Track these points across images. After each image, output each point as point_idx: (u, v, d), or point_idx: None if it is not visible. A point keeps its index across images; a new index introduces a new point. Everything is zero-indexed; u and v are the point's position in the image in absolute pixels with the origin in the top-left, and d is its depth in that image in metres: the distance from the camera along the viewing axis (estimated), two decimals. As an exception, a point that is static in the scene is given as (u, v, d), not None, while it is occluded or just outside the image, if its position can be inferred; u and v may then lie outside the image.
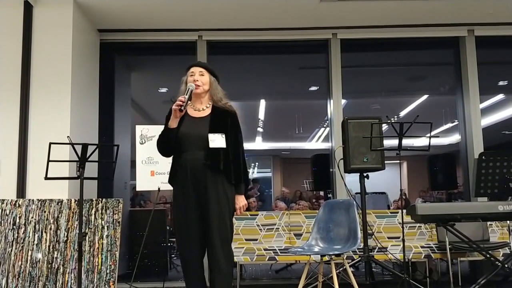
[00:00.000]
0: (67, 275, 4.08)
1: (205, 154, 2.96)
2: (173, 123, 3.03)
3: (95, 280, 4.06)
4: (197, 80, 3.06)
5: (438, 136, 9.82)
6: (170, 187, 3.17)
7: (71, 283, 4.06)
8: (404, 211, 4.04)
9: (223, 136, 3.00)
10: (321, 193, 10.35)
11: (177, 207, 3.05)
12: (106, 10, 5.00)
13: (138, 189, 4.91)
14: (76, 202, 4.24)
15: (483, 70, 5.59)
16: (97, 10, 4.97)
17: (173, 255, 6.78)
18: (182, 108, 2.94)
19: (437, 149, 9.98)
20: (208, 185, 2.95)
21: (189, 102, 3.03)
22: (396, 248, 4.65)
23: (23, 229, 4.17)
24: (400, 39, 5.67)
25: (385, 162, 4.58)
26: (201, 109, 3.12)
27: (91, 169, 4.35)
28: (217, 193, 2.95)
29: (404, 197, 8.68)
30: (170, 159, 3.17)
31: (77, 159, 3.56)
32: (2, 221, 4.19)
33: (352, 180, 5.05)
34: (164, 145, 3.10)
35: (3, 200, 4.26)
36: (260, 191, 11.19)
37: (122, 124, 5.98)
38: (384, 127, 5.67)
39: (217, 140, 2.98)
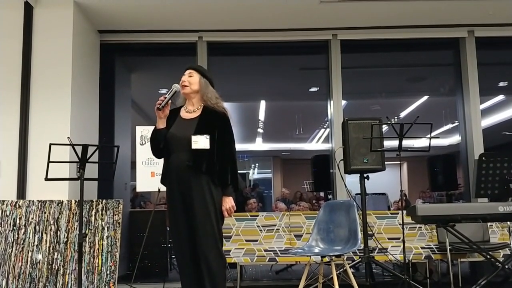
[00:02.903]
0: (67, 276, 4.08)
1: (189, 155, 2.97)
2: (159, 124, 3.08)
3: (95, 281, 4.06)
4: (185, 81, 3.10)
5: (438, 137, 9.82)
6: (170, 188, 3.18)
7: (71, 284, 4.06)
8: (405, 212, 4.04)
9: (207, 137, 2.98)
10: (321, 194, 10.35)
11: (168, 209, 3.07)
12: (106, 11, 5.00)
13: (138, 190, 4.90)
14: (76, 203, 4.24)
15: (483, 71, 5.59)
16: (97, 11, 4.97)
17: (173, 256, 6.77)
18: (160, 106, 2.99)
19: (437, 150, 9.98)
20: (192, 186, 2.95)
21: (170, 102, 3.06)
22: (396, 249, 4.65)
23: (23, 230, 4.17)
24: (400, 40, 5.67)
25: (385, 163, 4.58)
26: (192, 111, 3.13)
27: (91, 170, 4.35)
28: (202, 194, 2.94)
29: (404, 198, 8.68)
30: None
31: (77, 160, 3.56)
32: (3, 222, 4.19)
33: (352, 181, 5.04)
34: (153, 146, 3.14)
35: (4, 201, 4.26)
36: (258, 194, 11.18)
37: (122, 125, 5.98)
38: (384, 128, 5.67)
39: (200, 142, 2.97)
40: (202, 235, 2.90)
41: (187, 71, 3.16)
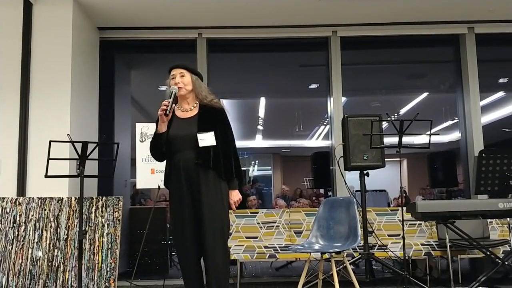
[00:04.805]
0: (67, 273, 4.08)
1: (196, 153, 2.99)
2: (162, 128, 3.07)
3: (96, 278, 4.07)
4: (179, 82, 3.09)
5: (438, 134, 9.81)
6: (170, 185, 3.18)
7: (71, 281, 4.06)
8: (404, 208, 4.05)
9: (212, 134, 3.02)
10: (321, 190, 10.36)
11: (173, 208, 3.08)
12: (106, 8, 4.99)
13: (138, 187, 4.92)
14: (76, 200, 4.24)
15: (483, 68, 5.59)
16: (96, 8, 4.97)
17: (173, 253, 6.78)
18: (167, 112, 2.97)
19: (437, 146, 9.98)
20: (201, 183, 2.98)
21: (173, 105, 3.06)
22: (396, 246, 4.66)
23: (23, 227, 4.17)
24: (400, 36, 5.67)
25: (385, 159, 4.59)
26: (188, 110, 3.14)
27: (91, 167, 4.35)
28: (210, 189, 2.98)
29: (404, 194, 8.69)
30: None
31: (77, 157, 3.56)
32: (3, 219, 4.19)
33: (352, 177, 5.05)
34: (156, 151, 3.14)
35: (4, 198, 4.26)
36: (257, 191, 11.19)
37: (122, 122, 5.98)
38: (384, 124, 5.67)
39: (206, 139, 3.01)
40: (210, 232, 2.93)
41: (178, 71, 3.13)
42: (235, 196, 3.11)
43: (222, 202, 3.01)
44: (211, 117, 3.08)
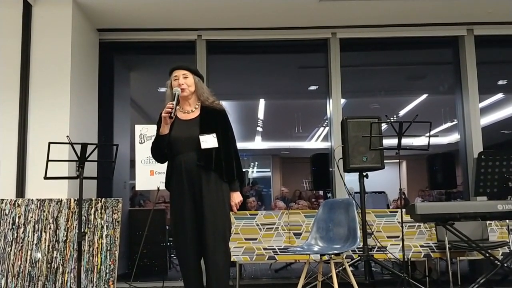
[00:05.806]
0: (66, 274, 4.08)
1: (198, 155, 2.99)
2: (165, 130, 3.06)
3: (95, 280, 4.06)
4: (182, 84, 3.07)
5: (437, 136, 9.83)
6: (169, 187, 3.17)
7: (70, 282, 4.06)
8: (404, 210, 4.04)
9: (214, 136, 3.02)
10: (321, 192, 10.36)
11: (173, 209, 3.08)
12: (106, 10, 4.99)
13: (137, 188, 4.91)
14: (76, 202, 4.24)
15: (482, 69, 5.59)
16: (96, 9, 4.97)
17: (172, 255, 6.78)
18: (172, 114, 2.96)
19: (437, 148, 9.98)
20: (203, 184, 2.98)
21: (177, 106, 3.05)
22: (395, 248, 4.66)
23: (22, 228, 4.17)
24: (399, 38, 5.67)
25: (385, 161, 4.58)
26: (190, 111, 3.14)
27: (91, 168, 4.35)
28: (212, 191, 2.98)
29: (403, 196, 8.70)
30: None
31: (76, 158, 3.56)
32: (2, 221, 4.19)
33: (351, 179, 5.05)
34: (158, 152, 3.14)
35: (3, 199, 4.26)
36: (257, 193, 11.18)
37: (121, 124, 5.98)
38: (384, 126, 5.67)
39: (208, 141, 3.01)
40: (211, 233, 2.93)
41: (181, 72, 3.11)
42: (236, 197, 3.11)
43: (224, 204, 3.02)
44: (212, 119, 3.08)
